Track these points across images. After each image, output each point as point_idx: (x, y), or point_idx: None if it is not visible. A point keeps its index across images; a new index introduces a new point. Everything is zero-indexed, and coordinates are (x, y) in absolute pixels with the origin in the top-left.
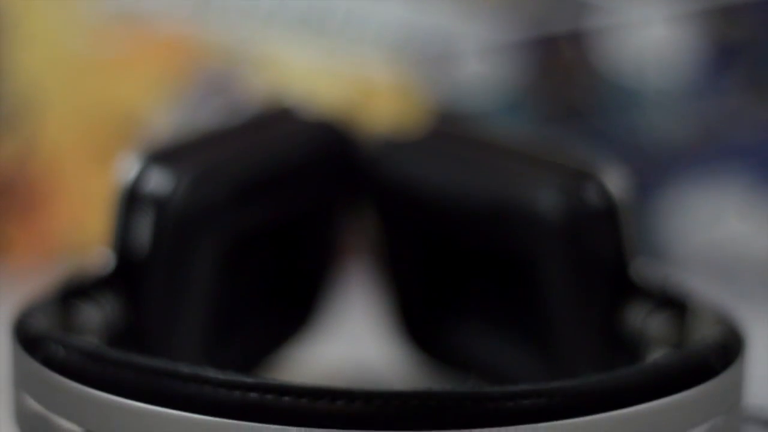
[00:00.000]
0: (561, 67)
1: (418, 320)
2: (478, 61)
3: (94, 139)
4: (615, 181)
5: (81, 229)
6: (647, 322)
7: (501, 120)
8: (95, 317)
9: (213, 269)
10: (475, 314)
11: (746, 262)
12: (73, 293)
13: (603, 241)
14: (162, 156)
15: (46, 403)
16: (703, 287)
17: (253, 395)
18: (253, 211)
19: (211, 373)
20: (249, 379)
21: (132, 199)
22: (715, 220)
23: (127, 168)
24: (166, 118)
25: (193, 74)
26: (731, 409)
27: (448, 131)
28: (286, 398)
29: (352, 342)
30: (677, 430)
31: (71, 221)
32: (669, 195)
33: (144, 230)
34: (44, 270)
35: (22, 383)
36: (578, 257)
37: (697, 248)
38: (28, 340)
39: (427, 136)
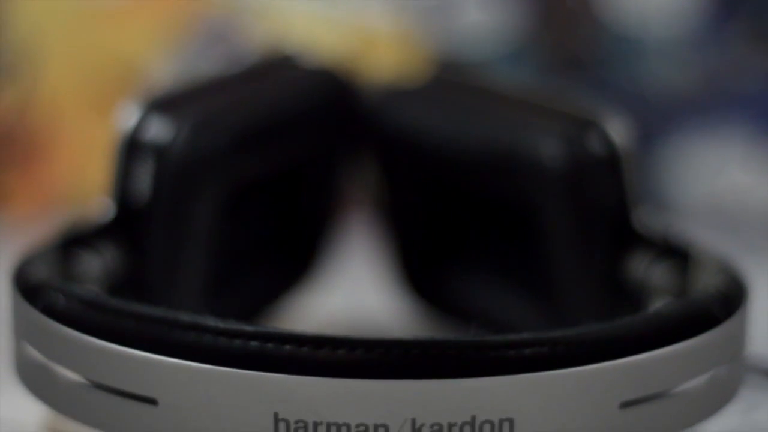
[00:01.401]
0: (563, 16)
1: (420, 269)
2: (479, 10)
3: (94, 89)
4: (617, 130)
5: (81, 179)
6: (649, 271)
7: (502, 69)
8: (95, 266)
9: (213, 218)
10: (477, 263)
11: (748, 213)
12: (73, 242)
13: (605, 189)
14: (162, 104)
15: (46, 351)
16: (705, 238)
17: (253, 344)
18: (254, 159)
19: (212, 321)
20: (250, 328)
21: (132, 148)
22: (717, 170)
23: (127, 116)
24: (167, 67)
25: (193, 23)
26: (734, 359)
27: (450, 80)
28: (287, 347)
29: (354, 291)
30: (680, 379)
31: (71, 171)
32: (671, 145)
33: (144, 178)
34: (44, 220)
35: (22, 332)
36: (580, 205)
37: (699, 199)
38: (28, 288)
39: (428, 85)
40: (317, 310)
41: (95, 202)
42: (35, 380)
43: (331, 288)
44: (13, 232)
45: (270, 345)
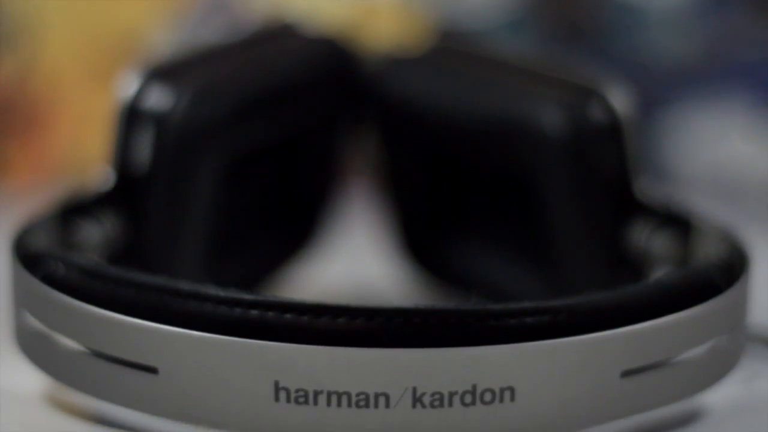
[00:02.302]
0: None
1: (421, 238)
2: None
3: (93, 58)
4: (619, 98)
5: (81, 148)
6: (651, 240)
7: (503, 38)
8: (95, 234)
9: (214, 186)
10: (478, 232)
11: (749, 182)
12: (73, 210)
13: (607, 157)
14: (162, 72)
15: (46, 320)
16: (706, 207)
17: (254, 312)
18: (254, 128)
19: (212, 290)
20: (250, 297)
21: (132, 116)
22: (718, 139)
23: (127, 85)
24: (167, 36)
25: None
26: (735, 328)
27: (451, 48)
28: (288, 315)
29: (354, 260)
30: (681, 348)
31: (71, 140)
32: (672, 115)
33: (144, 147)
34: (44, 189)
35: (22, 301)
36: (582, 174)
37: (700, 168)
38: (28, 257)
39: (429, 54)
40: (318, 279)
41: (95, 170)
42: (35, 349)
43: (332, 257)
44: (13, 201)
45: (270, 313)
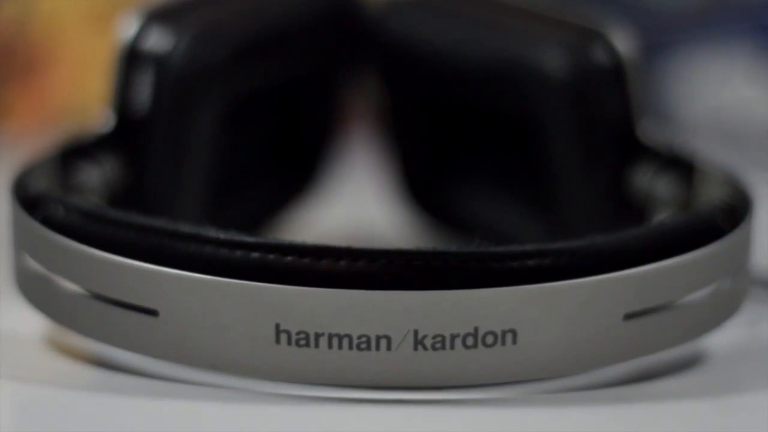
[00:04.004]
0: None
1: (422, 182)
2: None
3: (93, 1)
4: (622, 40)
5: (81, 92)
6: (654, 183)
7: None
8: (95, 177)
9: (214, 128)
10: (480, 176)
11: (752, 127)
12: (73, 153)
13: (610, 99)
14: (162, 14)
15: (45, 262)
16: (709, 152)
17: (255, 255)
18: (255, 70)
19: (213, 232)
20: (251, 239)
21: (132, 58)
22: (721, 84)
23: (127, 27)
24: None
25: None
26: (738, 271)
27: None
28: (289, 258)
29: (356, 205)
30: (683, 291)
31: (71, 84)
32: (675, 59)
33: (144, 88)
34: (44, 133)
35: (21, 243)
36: (584, 116)
37: (702, 112)
38: (28, 199)
39: None
40: (319, 223)
41: (95, 113)
42: (35, 292)
43: (333, 201)
44: (13, 145)
45: (271, 256)
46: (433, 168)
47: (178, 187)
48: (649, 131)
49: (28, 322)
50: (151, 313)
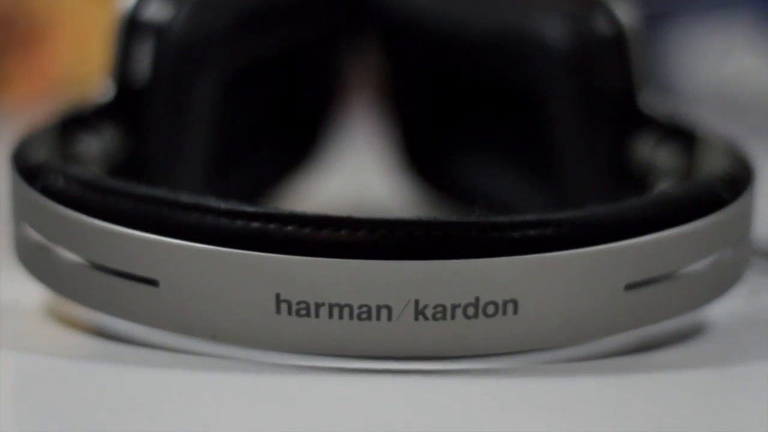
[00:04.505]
0: None
1: (423, 152)
2: None
3: None
4: (623, 10)
5: (80, 63)
6: (656, 153)
7: None
8: (95, 146)
9: (214, 98)
10: (481, 146)
11: (754, 97)
12: (73, 122)
13: (611, 69)
14: None
15: (45, 232)
16: (710, 122)
17: (255, 224)
18: (255, 40)
19: (213, 202)
20: (252, 209)
21: (132, 27)
22: (723, 54)
23: None
24: None
25: None
26: (739, 242)
27: None
28: (290, 227)
29: (356, 175)
30: (685, 261)
31: (71, 55)
32: (677, 29)
33: (144, 58)
34: (44, 103)
35: (21, 213)
36: (586, 86)
37: (704, 83)
38: (27, 169)
39: None
40: (319, 194)
41: (95, 84)
42: (35, 262)
43: (334, 171)
44: (13, 115)
45: (272, 225)
46: (434, 138)
47: (178, 157)
48: (650, 101)
49: (28, 293)
50: (152, 283)
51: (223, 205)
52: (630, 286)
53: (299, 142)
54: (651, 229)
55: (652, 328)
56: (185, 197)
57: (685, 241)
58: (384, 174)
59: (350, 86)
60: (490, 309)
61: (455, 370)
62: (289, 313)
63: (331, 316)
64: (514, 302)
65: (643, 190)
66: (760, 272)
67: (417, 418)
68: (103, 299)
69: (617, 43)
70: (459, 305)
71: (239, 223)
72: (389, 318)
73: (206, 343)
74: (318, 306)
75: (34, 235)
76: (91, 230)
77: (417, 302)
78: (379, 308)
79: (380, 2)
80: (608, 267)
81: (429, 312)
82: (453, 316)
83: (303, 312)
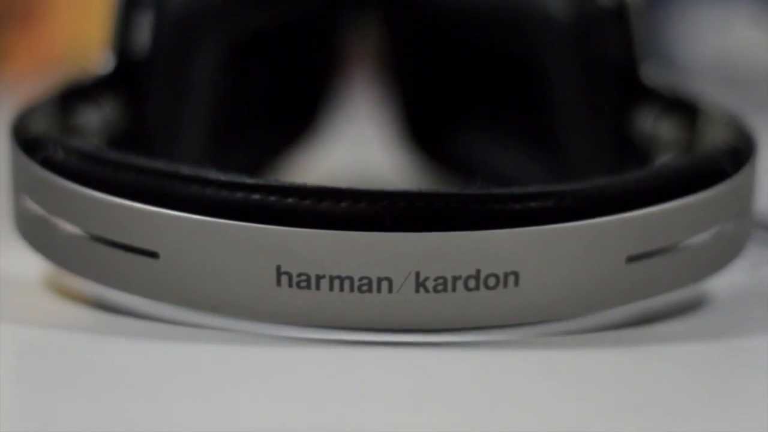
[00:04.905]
0: None
1: (424, 125)
2: None
3: None
4: None
5: (80, 36)
6: (657, 125)
7: None
8: (95, 118)
9: (214, 70)
10: (483, 119)
11: (755, 70)
12: (73, 94)
13: (613, 41)
14: None
15: (45, 205)
16: (712, 95)
17: (256, 196)
18: (256, 11)
19: (213, 174)
20: (252, 181)
21: None
22: (724, 27)
23: None
24: None
25: None
26: (741, 214)
27: None
28: (290, 199)
29: (357, 148)
30: (686, 233)
31: (70, 28)
32: (679, 2)
33: (143, 29)
34: (44, 76)
35: (21, 185)
36: (588, 57)
37: (706, 56)
38: (27, 141)
39: None
40: (320, 166)
41: (95, 56)
42: (35, 234)
43: (335, 144)
44: (13, 89)
45: (272, 197)
46: (435, 111)
47: (178, 129)
48: (652, 73)
49: (28, 264)
50: (152, 255)
51: (223, 177)
52: (632, 259)
53: (300, 115)
54: (653, 201)
55: (653, 301)
56: (185, 169)
57: (686, 213)
58: (385, 147)
59: (351, 58)
60: (491, 281)
61: (456, 343)
62: (290, 285)
63: (331, 288)
64: (516, 274)
65: (645, 163)
66: (762, 245)
67: (418, 390)
68: (103, 271)
69: (619, 14)
70: (460, 277)
71: (239, 195)
72: (390, 290)
73: (206, 315)
74: (319, 278)
75: (33, 207)
76: (91, 202)
77: (418, 274)
78: (379, 280)
79: None
80: (610, 239)
81: (430, 284)
82: (454, 288)
83: (304, 284)
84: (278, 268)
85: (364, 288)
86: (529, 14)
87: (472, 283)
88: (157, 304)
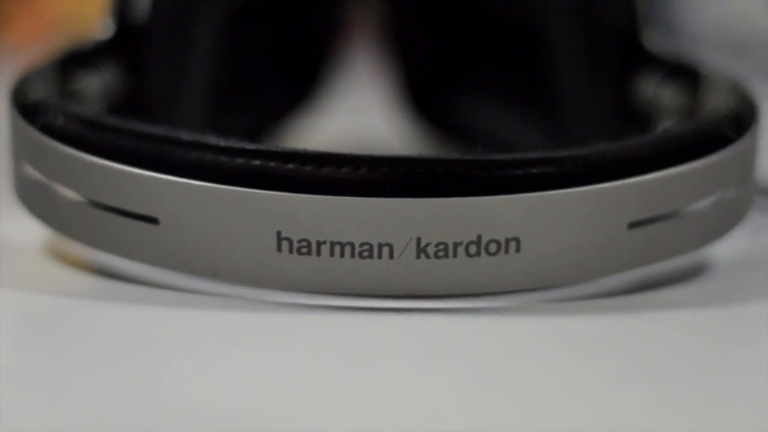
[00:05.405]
0: None
1: (425, 91)
2: None
3: None
4: None
5: (80, 3)
6: (659, 91)
7: None
8: (94, 84)
9: (215, 35)
10: (484, 84)
11: (757, 37)
12: (72, 60)
13: (615, 6)
14: None
15: (45, 170)
16: (714, 62)
17: (256, 162)
18: None
19: (214, 139)
20: (253, 146)
21: None
22: None
23: None
24: None
25: None
26: (743, 180)
27: None
28: (291, 165)
29: (358, 114)
30: (688, 199)
31: None
32: None
33: None
34: (44, 43)
35: (21, 151)
36: (589, 23)
37: (707, 23)
38: (27, 107)
39: None
40: (321, 132)
41: (94, 23)
42: (35, 200)
43: (335, 110)
44: (12, 55)
45: (273, 163)
46: (436, 76)
47: (179, 95)
48: (654, 39)
49: (28, 231)
50: (152, 221)
51: (223, 142)
52: (633, 225)
53: (301, 81)
54: (655, 167)
55: (655, 267)
56: (186, 135)
57: (688, 179)
58: (386, 113)
59: (352, 24)
60: (493, 247)
61: (457, 309)
62: (290, 251)
63: (332, 254)
64: (517, 240)
65: (647, 129)
66: (763, 211)
67: (418, 356)
68: (103, 237)
69: None
70: (461, 243)
71: (240, 160)
72: (391, 256)
73: (206, 281)
74: (319, 244)
75: (33, 173)
76: (91, 168)
77: (419, 240)
78: (380, 246)
79: None
80: (611, 205)
81: (431, 250)
82: (455, 254)
83: (304, 250)
84: (279, 233)
85: (365, 254)
86: None
87: (473, 249)
88: (157, 270)
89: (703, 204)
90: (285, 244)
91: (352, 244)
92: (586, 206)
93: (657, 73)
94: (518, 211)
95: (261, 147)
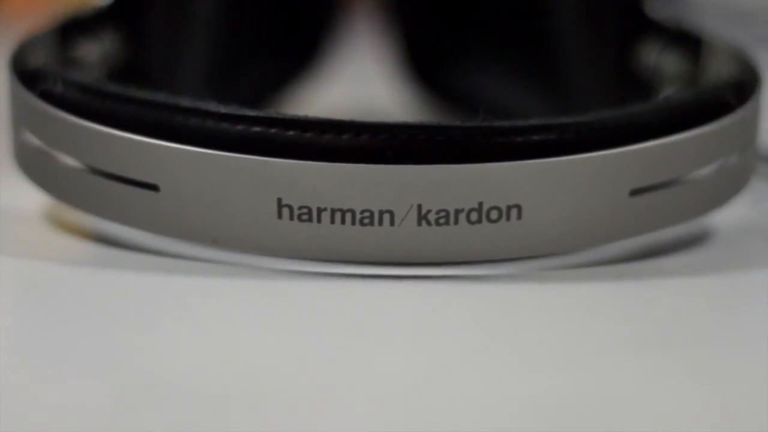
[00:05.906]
0: None
1: (426, 58)
2: None
3: None
4: None
5: None
6: (661, 58)
7: None
8: (94, 51)
9: (215, 1)
10: (485, 52)
11: (761, 6)
12: (72, 27)
13: None
14: None
15: (45, 137)
16: (716, 30)
17: (256, 128)
18: None
19: (214, 106)
20: (253, 113)
21: None
22: None
23: None
24: None
25: None
26: (745, 147)
27: None
28: (291, 132)
29: (359, 81)
30: (690, 166)
31: None
32: None
33: None
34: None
35: (20, 119)
36: None
37: None
38: (26, 74)
39: None
40: (321, 100)
41: None
42: (35, 167)
43: (336, 78)
44: (11, 24)
45: (273, 130)
46: (437, 44)
47: (179, 62)
48: (656, 6)
49: (28, 198)
50: (152, 188)
51: (224, 109)
52: (635, 192)
53: (302, 48)
54: (657, 134)
55: (656, 234)
56: (186, 101)
57: (690, 146)
58: (387, 80)
59: None
60: (494, 214)
61: (458, 276)
62: (291, 218)
63: (333, 221)
64: (518, 207)
65: (649, 96)
66: (765, 178)
67: (419, 324)
68: (103, 204)
69: None
70: (462, 210)
71: (240, 127)
72: (392, 223)
73: (206, 249)
74: (320, 211)
75: (33, 140)
76: (91, 135)
77: (420, 207)
78: (381, 213)
79: None
80: (613, 172)
81: (432, 217)
82: (456, 221)
83: (305, 217)
84: (279, 200)
85: (366, 221)
86: None
87: (474, 216)
88: (157, 237)
89: (705, 171)
90: (285, 211)
91: (352, 211)
92: (588, 173)
93: (659, 41)
94: (520, 178)
95: (261, 113)
